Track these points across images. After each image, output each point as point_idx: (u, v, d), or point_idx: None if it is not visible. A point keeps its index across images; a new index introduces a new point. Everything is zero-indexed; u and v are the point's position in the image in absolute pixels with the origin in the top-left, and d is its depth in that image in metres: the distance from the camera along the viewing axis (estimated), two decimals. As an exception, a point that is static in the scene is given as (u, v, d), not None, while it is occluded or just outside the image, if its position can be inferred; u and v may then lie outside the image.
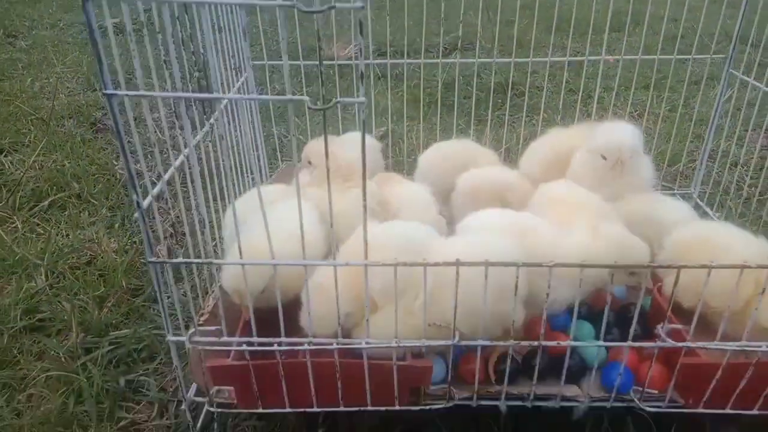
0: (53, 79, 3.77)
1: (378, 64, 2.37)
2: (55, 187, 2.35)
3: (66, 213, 2.22)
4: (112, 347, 1.55)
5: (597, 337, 1.22)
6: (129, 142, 0.88)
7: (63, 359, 1.51)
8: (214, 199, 1.31)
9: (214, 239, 1.33)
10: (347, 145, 1.44)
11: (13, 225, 2.14)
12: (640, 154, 1.59)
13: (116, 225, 2.11)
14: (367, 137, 1.86)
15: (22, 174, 2.42)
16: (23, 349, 1.53)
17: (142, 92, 0.80)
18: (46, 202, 2.27)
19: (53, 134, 2.83)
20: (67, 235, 2.07)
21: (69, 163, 2.56)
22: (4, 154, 2.66)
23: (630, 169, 1.56)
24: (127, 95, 0.79)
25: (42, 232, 2.10)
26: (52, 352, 1.53)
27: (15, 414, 1.37)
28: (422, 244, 1.19)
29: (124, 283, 1.77)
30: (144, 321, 1.65)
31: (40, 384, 1.44)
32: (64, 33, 4.98)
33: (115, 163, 2.59)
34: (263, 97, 0.85)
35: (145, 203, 0.92)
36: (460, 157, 1.81)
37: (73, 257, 1.92)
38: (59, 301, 1.71)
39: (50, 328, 1.62)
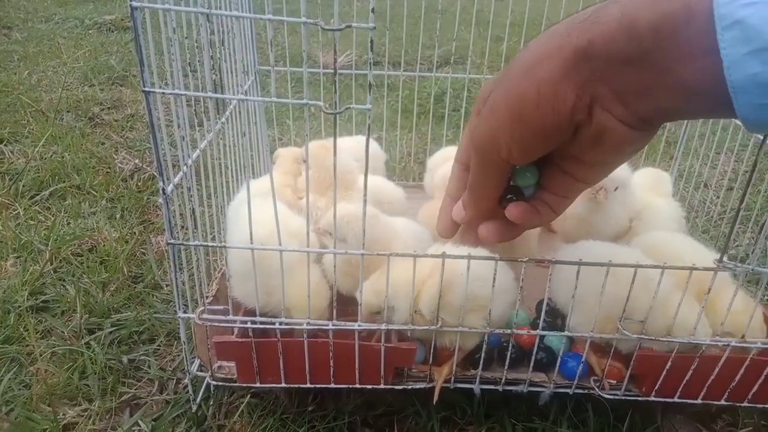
0: (50, 72, 3.85)
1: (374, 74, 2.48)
2: (56, 177, 2.44)
3: (66, 202, 2.31)
4: (114, 328, 1.64)
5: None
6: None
7: (68, 338, 1.61)
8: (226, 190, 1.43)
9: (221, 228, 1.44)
10: (346, 153, 1.57)
11: (15, 212, 2.22)
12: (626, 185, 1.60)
13: (117, 216, 2.21)
14: (375, 145, 1.99)
15: (24, 164, 2.50)
16: (29, 327, 1.62)
17: (176, 91, 0.92)
18: (47, 192, 2.36)
19: (52, 126, 2.92)
20: (68, 224, 2.16)
21: (69, 155, 2.65)
22: (4, 143, 2.75)
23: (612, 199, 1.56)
24: (163, 93, 0.90)
25: (43, 219, 2.19)
26: (58, 331, 1.62)
27: (23, 386, 1.46)
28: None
29: (125, 270, 1.87)
30: (144, 306, 1.75)
31: (45, 360, 1.53)
32: (60, 27, 5.04)
33: (115, 156, 2.68)
34: (282, 100, 0.96)
35: (168, 189, 1.03)
36: None
37: (74, 244, 2.01)
38: (63, 285, 1.80)
39: (55, 309, 1.71)
